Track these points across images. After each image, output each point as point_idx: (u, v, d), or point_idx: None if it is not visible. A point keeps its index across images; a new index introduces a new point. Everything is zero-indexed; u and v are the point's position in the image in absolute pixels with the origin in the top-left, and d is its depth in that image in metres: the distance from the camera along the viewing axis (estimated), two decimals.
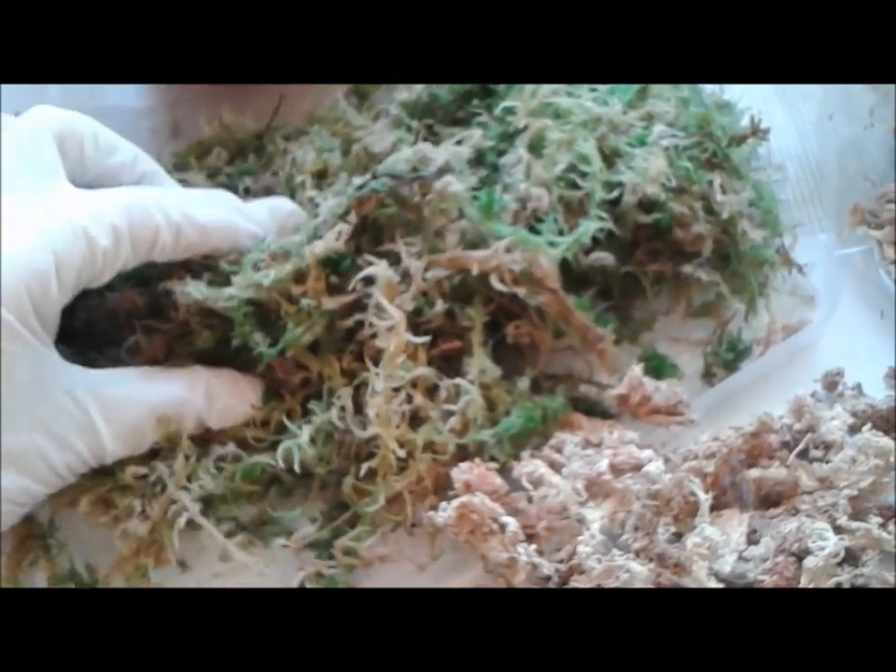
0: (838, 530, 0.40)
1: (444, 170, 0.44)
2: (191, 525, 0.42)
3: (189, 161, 0.51)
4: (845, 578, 0.39)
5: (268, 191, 0.50)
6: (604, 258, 0.44)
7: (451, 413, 0.42)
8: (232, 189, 0.50)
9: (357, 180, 0.45)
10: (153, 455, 0.42)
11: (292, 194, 0.48)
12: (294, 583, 0.42)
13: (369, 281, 0.43)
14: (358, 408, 0.42)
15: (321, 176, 0.49)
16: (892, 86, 0.53)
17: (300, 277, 0.43)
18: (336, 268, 0.44)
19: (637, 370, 0.43)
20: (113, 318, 0.46)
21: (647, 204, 0.44)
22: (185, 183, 0.50)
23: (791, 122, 0.54)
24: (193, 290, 0.44)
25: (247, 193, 0.50)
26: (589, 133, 0.44)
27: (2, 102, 0.58)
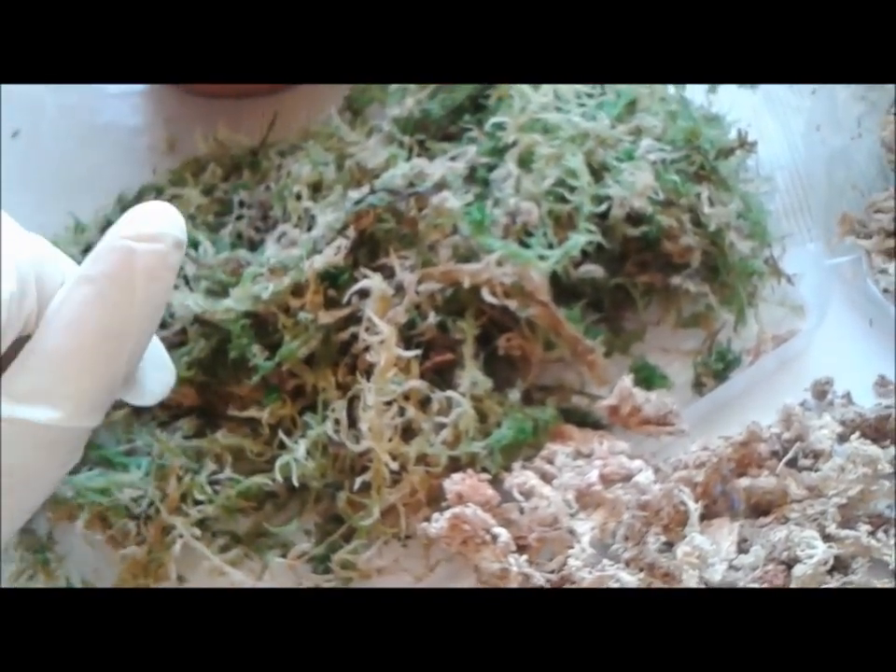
0: (827, 538, 0.41)
1: (440, 185, 0.45)
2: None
3: (186, 178, 0.52)
4: (834, 586, 0.40)
5: (262, 205, 0.51)
6: (593, 270, 0.45)
7: (443, 426, 0.43)
8: (228, 203, 0.51)
9: (355, 195, 0.46)
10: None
11: (284, 206, 0.49)
12: None
13: (364, 294, 0.44)
14: (353, 421, 0.43)
15: (316, 189, 0.49)
16: (880, 95, 0.53)
17: (298, 291, 0.44)
18: (334, 282, 0.44)
19: (626, 381, 0.44)
20: None
21: (635, 218, 0.45)
22: (181, 199, 0.51)
23: (780, 133, 0.54)
24: (192, 303, 0.44)
25: (242, 206, 0.51)
26: (577, 148, 0.45)
27: (1, 114, 0.59)
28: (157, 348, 0.37)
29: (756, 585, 0.40)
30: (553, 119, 0.46)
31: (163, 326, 0.45)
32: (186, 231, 0.34)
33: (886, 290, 0.49)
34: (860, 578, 0.40)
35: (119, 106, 0.60)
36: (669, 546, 0.41)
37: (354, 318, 0.44)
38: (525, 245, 0.44)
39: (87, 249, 0.50)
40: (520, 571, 0.40)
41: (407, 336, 0.43)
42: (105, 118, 0.60)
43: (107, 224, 0.50)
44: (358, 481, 0.42)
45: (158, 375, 0.37)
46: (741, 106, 0.51)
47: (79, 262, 0.49)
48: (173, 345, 0.45)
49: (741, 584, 0.40)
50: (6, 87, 0.59)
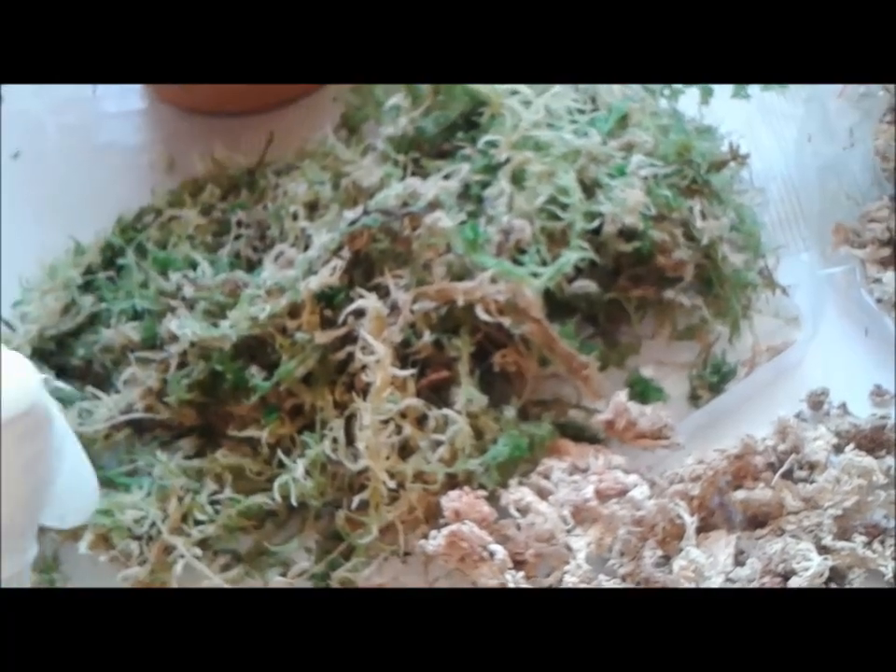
0: (824, 550, 0.41)
1: (434, 205, 0.45)
2: None
3: (184, 199, 0.53)
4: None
5: (260, 224, 0.51)
6: (587, 286, 0.45)
7: (439, 443, 0.43)
8: (226, 223, 0.52)
9: (349, 215, 0.46)
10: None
11: (282, 226, 0.50)
12: None
13: (359, 314, 0.44)
14: (350, 439, 0.43)
15: (312, 208, 0.50)
16: (872, 104, 0.53)
17: (295, 311, 0.45)
18: (330, 302, 0.45)
19: (621, 395, 0.44)
20: (109, 353, 0.48)
21: (627, 233, 0.45)
22: (180, 220, 0.52)
23: (773, 143, 0.55)
24: (189, 332, 0.45)
25: (239, 226, 0.51)
26: (569, 165, 0.45)
27: (2, 136, 0.60)
28: (78, 473, 0.38)
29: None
30: (545, 137, 0.46)
31: (162, 348, 0.46)
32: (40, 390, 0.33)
33: (880, 300, 0.49)
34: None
35: (118, 126, 0.61)
36: (666, 560, 0.42)
37: (350, 338, 0.44)
38: (519, 263, 0.44)
39: (87, 272, 0.51)
40: (517, 587, 0.40)
41: (403, 354, 0.44)
42: (106, 137, 0.61)
43: (107, 246, 0.51)
44: (357, 499, 0.43)
45: (78, 500, 0.38)
46: (734, 117, 0.51)
47: (80, 284, 0.51)
48: (172, 367, 0.46)
49: None
50: (6, 108, 0.60)
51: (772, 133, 0.55)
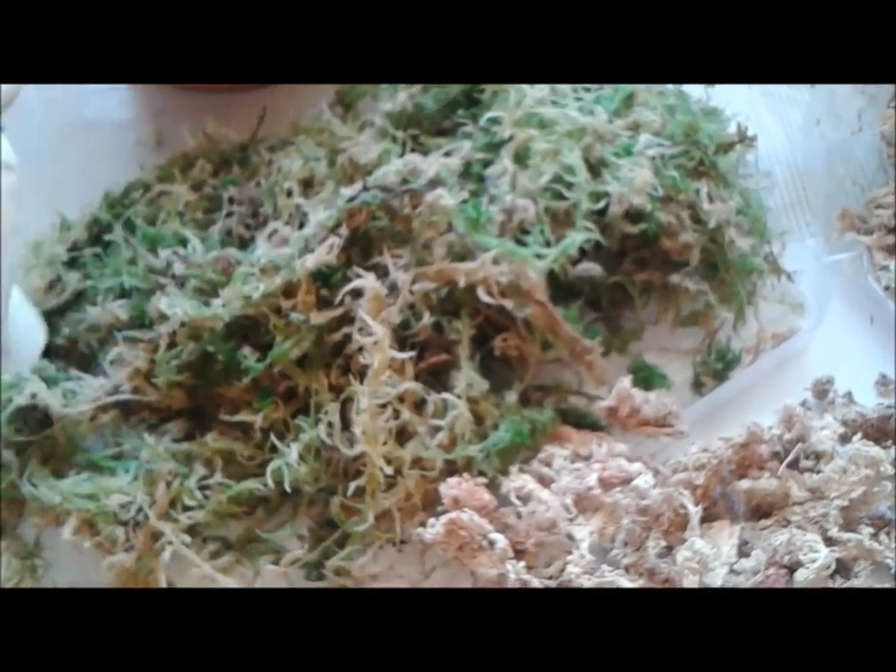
0: (829, 541, 0.40)
1: (435, 182, 0.44)
2: None
3: (173, 174, 0.51)
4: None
5: (252, 202, 0.50)
6: (591, 268, 0.44)
7: (438, 428, 0.42)
8: (217, 200, 0.50)
9: (347, 192, 0.45)
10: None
11: (275, 203, 0.48)
12: None
13: (357, 294, 0.43)
14: (346, 424, 0.42)
15: (307, 185, 0.48)
16: (880, 89, 0.52)
17: (289, 290, 0.43)
18: (327, 281, 0.44)
19: (625, 381, 0.43)
20: (95, 332, 0.46)
21: (633, 215, 0.44)
22: (169, 196, 0.50)
23: (778, 128, 0.54)
24: (179, 311, 0.43)
25: (231, 203, 0.50)
26: (574, 143, 0.44)
27: None
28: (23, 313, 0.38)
29: None
30: (550, 114, 0.45)
31: (150, 327, 0.45)
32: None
33: (887, 287, 0.48)
34: (862, 582, 0.40)
35: (104, 101, 0.59)
36: (669, 550, 0.41)
37: (347, 319, 0.43)
38: (522, 243, 0.43)
39: (73, 248, 0.49)
40: (517, 577, 0.39)
41: (401, 337, 0.43)
42: (91, 112, 0.59)
43: (94, 222, 0.50)
44: (352, 485, 0.41)
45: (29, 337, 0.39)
46: (739, 100, 0.50)
47: (65, 261, 0.49)
48: (161, 347, 0.44)
49: None
50: None
51: (777, 116, 0.54)
